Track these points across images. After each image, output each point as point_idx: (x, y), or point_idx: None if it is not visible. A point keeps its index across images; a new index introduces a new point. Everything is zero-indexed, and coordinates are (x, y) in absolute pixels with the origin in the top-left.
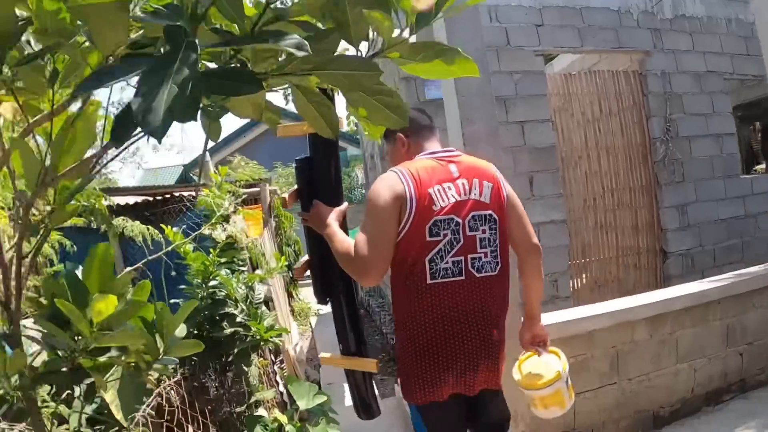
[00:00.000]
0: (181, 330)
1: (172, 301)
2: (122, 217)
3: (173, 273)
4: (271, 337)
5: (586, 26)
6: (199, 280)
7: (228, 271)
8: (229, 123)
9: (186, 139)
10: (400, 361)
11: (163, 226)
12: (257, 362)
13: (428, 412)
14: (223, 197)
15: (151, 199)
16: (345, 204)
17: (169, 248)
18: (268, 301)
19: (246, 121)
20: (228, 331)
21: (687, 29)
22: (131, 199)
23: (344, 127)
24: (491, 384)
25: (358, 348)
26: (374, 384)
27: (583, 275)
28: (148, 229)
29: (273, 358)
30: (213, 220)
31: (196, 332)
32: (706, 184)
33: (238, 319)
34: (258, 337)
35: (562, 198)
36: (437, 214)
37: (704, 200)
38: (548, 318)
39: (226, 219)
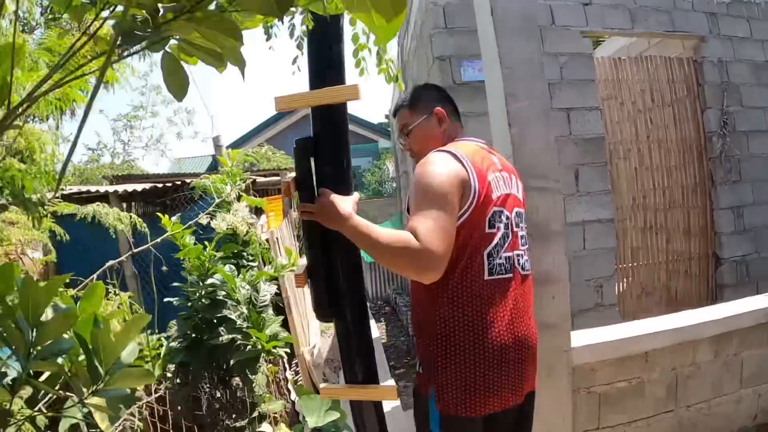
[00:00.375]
0: (130, 353)
1: (165, 300)
2: (97, 203)
3: (164, 268)
4: (274, 348)
5: (637, 7)
6: (195, 277)
7: (232, 267)
8: (258, 114)
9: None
10: (445, 369)
11: (159, 214)
12: (266, 369)
13: (486, 426)
14: (224, 181)
15: (160, 186)
16: (356, 194)
17: (159, 240)
18: (277, 303)
19: (275, 112)
20: (225, 338)
21: (744, 14)
22: (139, 186)
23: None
24: (534, 386)
25: (368, 376)
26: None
27: (630, 281)
28: (130, 217)
29: (285, 363)
30: (210, 208)
31: (194, 335)
32: (764, 184)
33: (238, 325)
34: (259, 347)
35: (610, 195)
36: (495, 205)
37: (762, 202)
38: (598, 335)
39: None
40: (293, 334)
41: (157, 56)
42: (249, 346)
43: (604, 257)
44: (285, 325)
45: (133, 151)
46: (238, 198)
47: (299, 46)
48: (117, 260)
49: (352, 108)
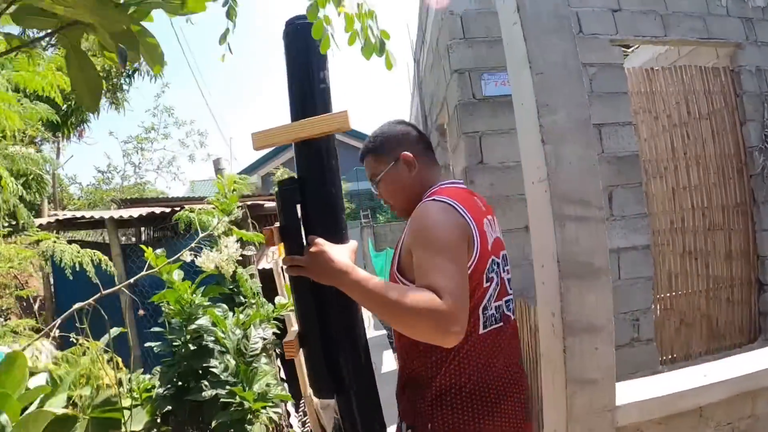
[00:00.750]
0: None
1: (146, 345)
2: (53, 238)
3: (140, 312)
4: (264, 408)
5: (669, 13)
6: (179, 321)
7: (224, 307)
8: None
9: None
10: (445, 424)
11: (143, 246)
12: (264, 418)
13: None
14: (212, 214)
15: (158, 211)
16: (353, 242)
17: (132, 280)
18: (274, 348)
19: None
20: (208, 394)
21: None
22: (136, 212)
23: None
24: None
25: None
26: None
27: (668, 312)
28: (93, 254)
29: (289, 409)
30: (193, 244)
31: (180, 384)
32: None
33: (223, 378)
34: (246, 407)
35: (646, 218)
36: (489, 256)
37: None
38: (645, 389)
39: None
40: (299, 373)
41: (169, 77)
42: (235, 404)
43: (640, 287)
44: (291, 364)
45: (145, 174)
46: (229, 231)
47: (229, 13)
48: (86, 302)
49: (368, 126)
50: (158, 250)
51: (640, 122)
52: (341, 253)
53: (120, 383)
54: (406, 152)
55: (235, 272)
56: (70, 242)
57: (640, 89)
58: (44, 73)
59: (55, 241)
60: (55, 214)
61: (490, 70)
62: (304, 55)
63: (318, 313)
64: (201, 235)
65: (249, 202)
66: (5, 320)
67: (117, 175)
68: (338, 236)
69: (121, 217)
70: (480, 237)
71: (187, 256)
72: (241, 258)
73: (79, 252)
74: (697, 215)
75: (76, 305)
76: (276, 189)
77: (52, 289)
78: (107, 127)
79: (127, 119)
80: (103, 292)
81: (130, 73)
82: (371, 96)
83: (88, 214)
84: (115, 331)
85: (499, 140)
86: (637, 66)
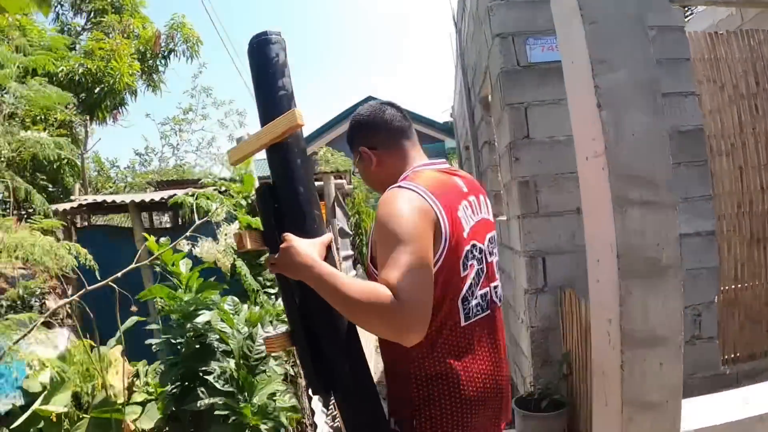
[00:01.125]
0: None
1: (147, 342)
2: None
3: (132, 308)
4: (263, 421)
5: None
6: (177, 319)
7: (234, 300)
8: (321, 116)
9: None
10: (422, 424)
11: (146, 235)
12: (285, 419)
13: None
14: (214, 198)
15: (180, 194)
16: (329, 235)
17: (119, 274)
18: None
19: (335, 114)
20: (204, 403)
21: None
22: (157, 195)
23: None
24: (509, 418)
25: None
26: None
27: (733, 307)
28: (70, 248)
29: (313, 407)
30: (188, 232)
31: (185, 384)
32: None
33: (220, 387)
34: (245, 421)
35: (711, 201)
36: (466, 243)
37: None
38: (711, 411)
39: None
40: None
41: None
42: (231, 418)
43: (704, 279)
44: None
45: (184, 155)
46: (234, 218)
47: None
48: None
49: (418, 107)
50: (162, 239)
51: (704, 92)
52: (308, 248)
53: (137, 375)
54: (363, 147)
55: (234, 266)
56: (95, 227)
57: (703, 55)
58: (75, 57)
59: (32, 233)
60: (76, 199)
61: (535, 33)
62: (263, 67)
63: (302, 311)
64: (197, 222)
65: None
66: (42, 303)
67: (155, 158)
68: (309, 231)
69: (142, 201)
70: (451, 223)
71: (184, 245)
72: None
73: (51, 247)
74: (767, 198)
75: (63, 300)
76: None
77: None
78: (144, 109)
79: (164, 101)
80: (88, 288)
81: (165, 54)
82: (420, 74)
83: (110, 198)
84: (131, 321)
85: (547, 112)
86: (704, 27)
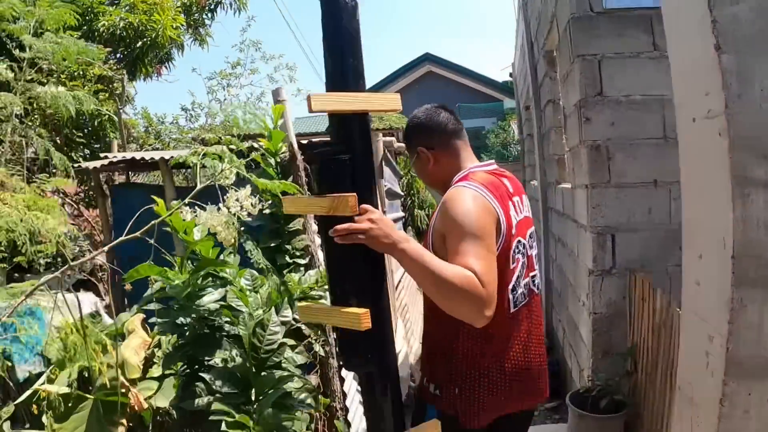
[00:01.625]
0: None
1: (151, 321)
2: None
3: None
4: None
5: None
6: (180, 299)
7: (253, 273)
8: (376, 72)
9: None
10: (468, 394)
11: (154, 197)
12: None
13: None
14: (216, 156)
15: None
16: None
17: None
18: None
19: (392, 71)
20: (202, 402)
21: None
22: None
23: None
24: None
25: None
26: None
27: None
28: (36, 216)
29: (345, 390)
30: (190, 196)
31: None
32: None
33: (217, 386)
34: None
35: None
36: (514, 238)
37: None
38: None
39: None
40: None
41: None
42: (230, 423)
43: None
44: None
45: (235, 112)
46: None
47: None
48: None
49: (477, 64)
50: (173, 201)
51: None
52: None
53: (158, 345)
54: (421, 147)
55: (235, 240)
56: (132, 185)
57: None
58: (116, 11)
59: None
60: (106, 156)
61: None
62: (348, 27)
63: (347, 284)
64: (200, 186)
65: (304, 141)
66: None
67: (202, 113)
68: (375, 205)
69: (172, 158)
70: (506, 220)
71: (186, 213)
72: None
73: (23, 219)
74: None
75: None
76: (321, 158)
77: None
78: (191, 64)
79: (212, 56)
80: (79, 260)
81: (212, 7)
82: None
83: (138, 155)
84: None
85: (624, 66)
86: None
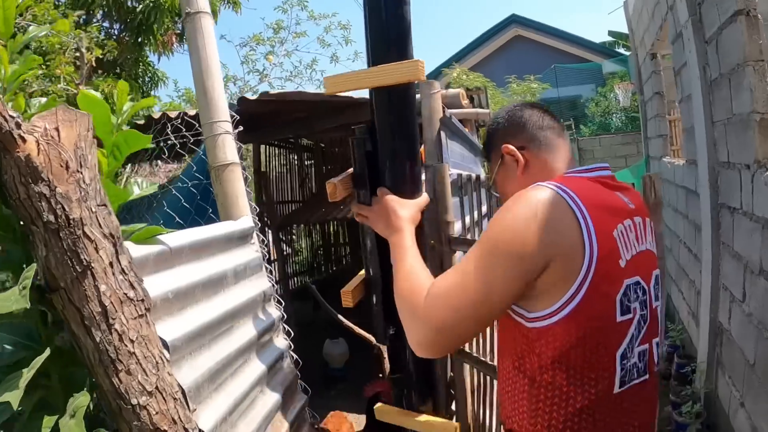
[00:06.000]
0: None
1: None
2: None
3: None
4: None
5: None
6: None
7: None
8: (457, 39)
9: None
10: None
11: None
12: None
13: None
14: None
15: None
16: (424, 196)
17: None
18: None
19: (474, 36)
20: None
21: None
22: None
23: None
24: None
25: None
26: None
27: None
28: None
29: None
30: None
31: None
32: None
33: None
34: None
35: None
36: (626, 275)
37: None
38: None
39: None
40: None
41: None
42: None
43: None
44: None
45: (274, 81)
46: None
47: None
48: None
49: (570, 25)
50: None
51: None
52: (404, 209)
53: None
54: (507, 146)
55: None
56: None
57: None
58: None
59: None
60: None
61: None
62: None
63: (385, 259)
64: None
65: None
66: None
67: (234, 87)
68: (407, 190)
69: None
70: (601, 242)
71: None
72: None
73: None
74: None
75: None
76: (350, 135)
77: None
78: (219, 30)
79: (245, 19)
80: None
81: None
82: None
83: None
84: None
85: None
86: None
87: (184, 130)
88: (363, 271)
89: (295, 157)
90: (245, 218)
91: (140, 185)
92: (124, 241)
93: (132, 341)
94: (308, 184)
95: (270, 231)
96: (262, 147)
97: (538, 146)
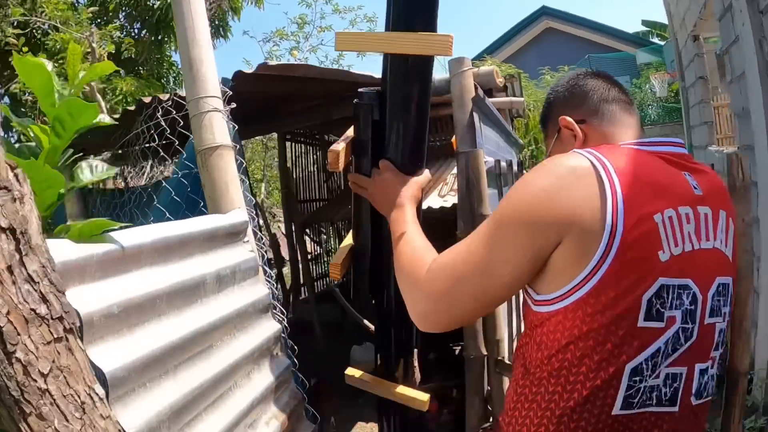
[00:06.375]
0: None
1: None
2: None
3: None
4: None
5: None
6: None
7: None
8: (487, 33)
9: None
10: None
11: None
12: None
13: None
14: None
15: None
16: (426, 173)
17: None
18: None
19: (504, 30)
20: None
21: None
22: None
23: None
24: None
25: (405, 371)
26: None
27: None
28: None
29: None
30: None
31: None
32: None
33: None
34: None
35: None
36: (668, 273)
37: None
38: None
39: None
40: None
41: None
42: None
43: None
44: None
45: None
46: None
47: None
48: None
49: (600, 16)
50: None
51: None
52: (406, 187)
53: None
54: (565, 118)
55: None
56: None
57: None
58: None
59: None
60: None
61: None
62: None
63: (372, 230)
64: None
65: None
66: None
67: None
68: (411, 166)
69: None
70: (628, 224)
71: None
72: None
73: None
74: None
75: None
76: (356, 100)
77: None
78: (241, 26)
79: (273, 16)
80: None
81: None
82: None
83: None
84: None
85: None
86: None
87: (174, 112)
88: (346, 241)
89: (321, 154)
90: (237, 212)
91: (93, 169)
92: (62, 239)
93: (43, 375)
94: (335, 181)
95: (294, 229)
96: (288, 143)
97: (601, 120)
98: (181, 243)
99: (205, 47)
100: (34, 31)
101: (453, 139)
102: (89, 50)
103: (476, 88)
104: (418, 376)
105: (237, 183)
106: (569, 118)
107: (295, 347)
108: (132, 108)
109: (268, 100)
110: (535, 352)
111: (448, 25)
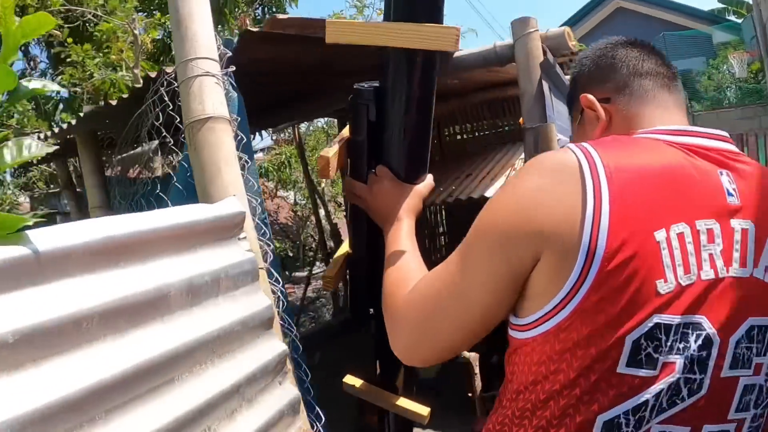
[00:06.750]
0: None
1: None
2: None
3: None
4: None
5: None
6: None
7: None
8: (554, 15)
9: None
10: None
11: None
12: None
13: None
14: None
15: None
16: (429, 180)
17: None
18: None
19: (573, 12)
20: None
21: None
22: None
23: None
24: None
25: (407, 382)
26: None
27: None
28: None
29: None
30: None
31: None
32: None
33: None
34: None
35: None
36: (664, 307)
37: None
38: None
39: None
40: None
41: None
42: None
43: None
44: None
45: None
46: None
47: None
48: None
49: None
50: None
51: None
52: (407, 197)
53: None
54: (587, 96)
55: None
56: None
57: None
58: None
59: None
60: None
61: None
62: None
63: (370, 238)
64: None
65: None
66: None
67: None
68: (412, 173)
69: None
70: (612, 240)
71: None
72: None
73: None
74: None
75: None
76: (351, 96)
77: None
78: (299, 11)
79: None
80: None
81: None
82: None
83: None
84: None
85: None
86: None
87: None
88: (341, 250)
89: None
90: (230, 200)
91: (24, 149)
92: None
93: None
94: None
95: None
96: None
97: (630, 99)
98: (134, 243)
99: (200, 2)
100: (80, 20)
101: (520, 120)
102: (132, 38)
103: (545, 53)
104: (479, 384)
105: (234, 165)
106: (591, 96)
107: (308, 371)
108: (139, 85)
109: (291, 75)
110: (509, 383)
111: (516, 8)
